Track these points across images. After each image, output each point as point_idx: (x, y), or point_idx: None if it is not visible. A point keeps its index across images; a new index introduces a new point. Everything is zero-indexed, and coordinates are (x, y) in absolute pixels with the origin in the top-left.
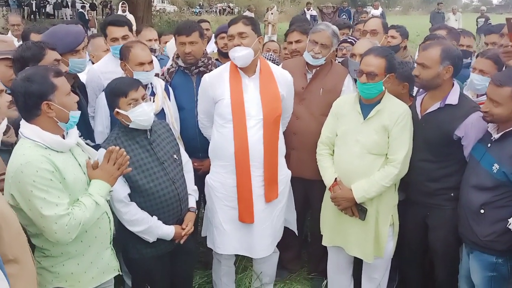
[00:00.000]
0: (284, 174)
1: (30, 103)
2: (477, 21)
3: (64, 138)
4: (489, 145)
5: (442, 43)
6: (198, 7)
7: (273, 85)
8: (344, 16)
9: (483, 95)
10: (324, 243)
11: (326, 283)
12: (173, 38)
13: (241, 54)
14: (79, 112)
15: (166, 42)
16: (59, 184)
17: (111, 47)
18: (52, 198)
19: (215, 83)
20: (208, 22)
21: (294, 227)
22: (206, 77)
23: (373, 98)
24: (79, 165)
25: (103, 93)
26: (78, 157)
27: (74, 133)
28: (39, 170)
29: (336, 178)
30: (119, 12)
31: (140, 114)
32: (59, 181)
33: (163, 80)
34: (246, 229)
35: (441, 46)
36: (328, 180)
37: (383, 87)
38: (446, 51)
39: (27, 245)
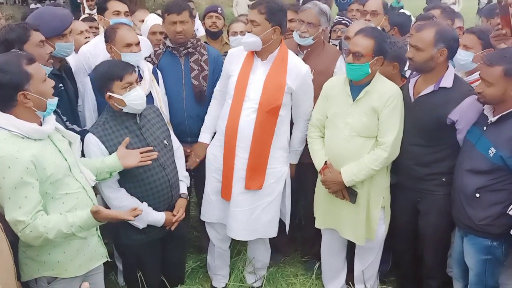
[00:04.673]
0: (279, 169)
1: (5, 95)
2: (479, 1)
3: (41, 125)
4: (485, 128)
5: (437, 24)
6: None
7: (281, 75)
8: None
9: (473, 73)
10: (317, 225)
11: (319, 265)
12: (148, 17)
13: (247, 41)
14: (56, 98)
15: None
16: (32, 180)
17: (111, 20)
18: (18, 199)
19: (233, 59)
20: (193, 1)
21: (286, 220)
22: (230, 50)
23: (361, 80)
24: (60, 151)
25: (88, 77)
26: (57, 143)
27: (51, 119)
28: (11, 166)
29: (326, 161)
30: None
31: (136, 98)
32: (34, 176)
33: (150, 63)
34: (225, 205)
35: (435, 28)
36: (318, 163)
37: (369, 70)
38: (441, 33)
39: (1, 233)
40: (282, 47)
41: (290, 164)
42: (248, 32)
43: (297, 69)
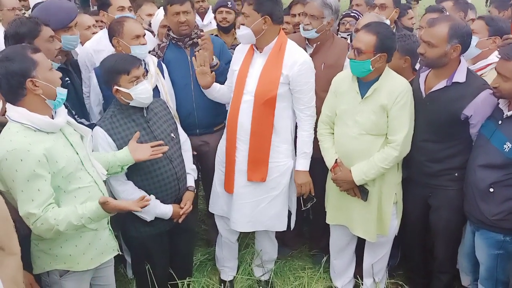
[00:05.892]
0: (284, 163)
1: (14, 83)
2: None
3: (53, 118)
4: (500, 122)
5: (450, 19)
6: None
7: (277, 65)
8: None
9: (478, 62)
10: (327, 221)
11: (326, 258)
12: (159, 10)
13: (240, 34)
14: (66, 90)
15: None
16: (44, 173)
17: (116, 16)
18: (30, 192)
19: (238, 54)
20: None
21: (291, 215)
22: (237, 47)
23: (368, 76)
24: (71, 144)
25: (94, 72)
26: (69, 136)
27: (63, 112)
28: (23, 159)
29: (337, 159)
30: None
31: (142, 92)
32: (46, 169)
33: (155, 56)
34: (230, 198)
35: (449, 23)
36: (329, 162)
37: (371, 67)
38: (455, 28)
39: (13, 230)
40: (280, 38)
41: (300, 171)
42: (241, 25)
43: (295, 57)
